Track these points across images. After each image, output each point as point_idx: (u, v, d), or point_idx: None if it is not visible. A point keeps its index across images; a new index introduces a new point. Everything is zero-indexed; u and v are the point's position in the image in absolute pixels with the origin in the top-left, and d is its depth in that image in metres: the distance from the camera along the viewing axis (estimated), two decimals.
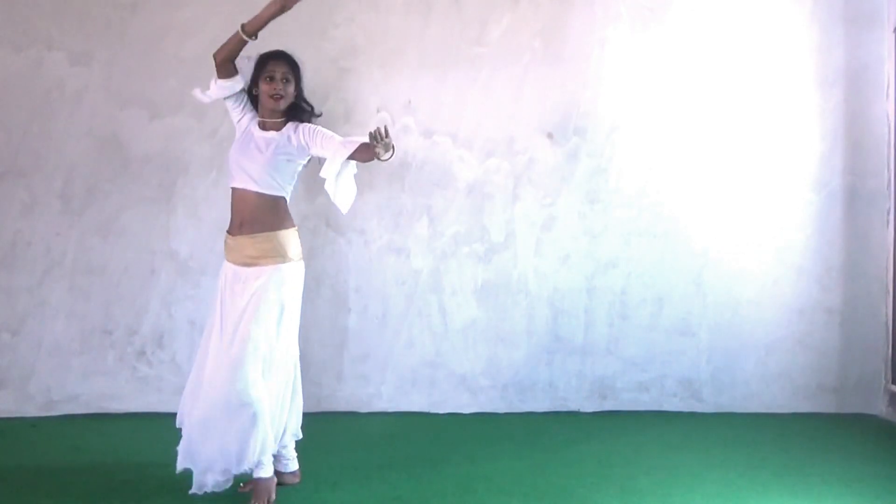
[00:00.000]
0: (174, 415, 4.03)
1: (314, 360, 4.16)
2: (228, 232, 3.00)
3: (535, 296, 4.25)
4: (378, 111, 4.20)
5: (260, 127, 3.01)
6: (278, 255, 2.93)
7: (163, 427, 3.90)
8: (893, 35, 4.21)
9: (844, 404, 4.29)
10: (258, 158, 2.94)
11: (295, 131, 2.98)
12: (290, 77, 3.00)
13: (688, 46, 4.27)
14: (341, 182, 2.90)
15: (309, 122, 3.04)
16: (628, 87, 4.26)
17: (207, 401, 2.87)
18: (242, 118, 3.06)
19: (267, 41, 4.14)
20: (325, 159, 2.90)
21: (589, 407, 4.27)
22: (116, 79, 4.09)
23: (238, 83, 3.03)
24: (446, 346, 4.23)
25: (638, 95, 4.26)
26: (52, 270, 4.06)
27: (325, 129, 2.98)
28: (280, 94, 2.96)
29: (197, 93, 3.11)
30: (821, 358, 4.30)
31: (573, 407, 4.26)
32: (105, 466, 3.31)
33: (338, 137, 2.94)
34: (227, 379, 2.83)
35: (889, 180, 4.26)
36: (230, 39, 2.99)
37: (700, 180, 4.28)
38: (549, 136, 4.25)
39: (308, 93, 4.12)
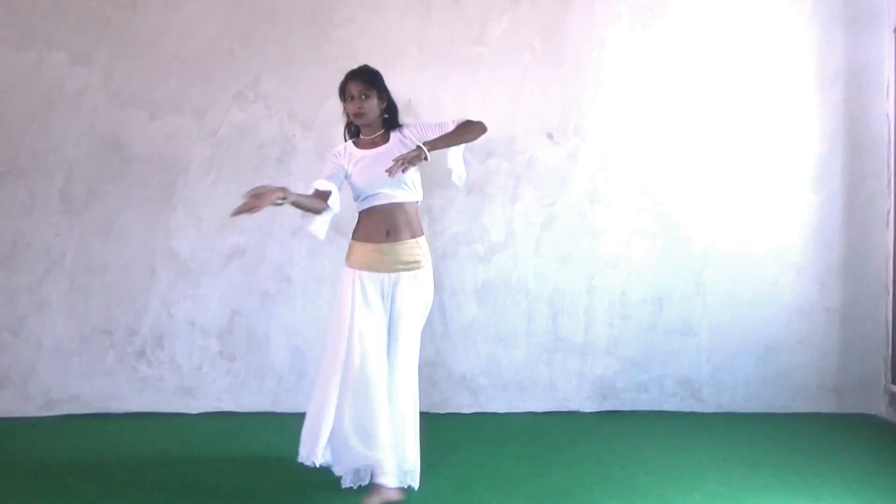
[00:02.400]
0: (174, 415, 4.07)
1: (314, 361, 4.16)
2: (370, 241, 3.02)
3: (535, 296, 4.25)
4: None
5: (367, 146, 3.09)
6: (424, 260, 3.09)
7: (163, 427, 3.92)
8: (893, 35, 4.21)
9: (844, 404, 4.28)
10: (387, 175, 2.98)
11: (403, 136, 3.09)
12: (368, 92, 3.06)
13: (688, 46, 4.27)
14: (459, 162, 3.18)
15: (401, 123, 3.16)
16: (628, 87, 4.26)
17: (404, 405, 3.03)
18: (349, 163, 3.07)
19: (267, 43, 4.17)
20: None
21: (589, 407, 4.27)
22: (116, 79, 4.09)
23: (332, 187, 3.03)
24: (446, 346, 4.23)
25: (638, 95, 4.26)
26: (52, 270, 4.06)
27: (427, 123, 3.17)
28: (360, 111, 3.05)
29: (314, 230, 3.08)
30: (821, 358, 4.30)
31: (573, 407, 4.26)
32: (105, 466, 3.31)
33: (445, 125, 3.12)
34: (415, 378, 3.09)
35: (889, 180, 4.26)
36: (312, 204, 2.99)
37: (700, 180, 4.28)
38: (549, 136, 4.25)
39: (308, 92, 4.19)
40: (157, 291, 4.12)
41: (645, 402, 4.27)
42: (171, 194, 4.12)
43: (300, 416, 4.08)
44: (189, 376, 4.13)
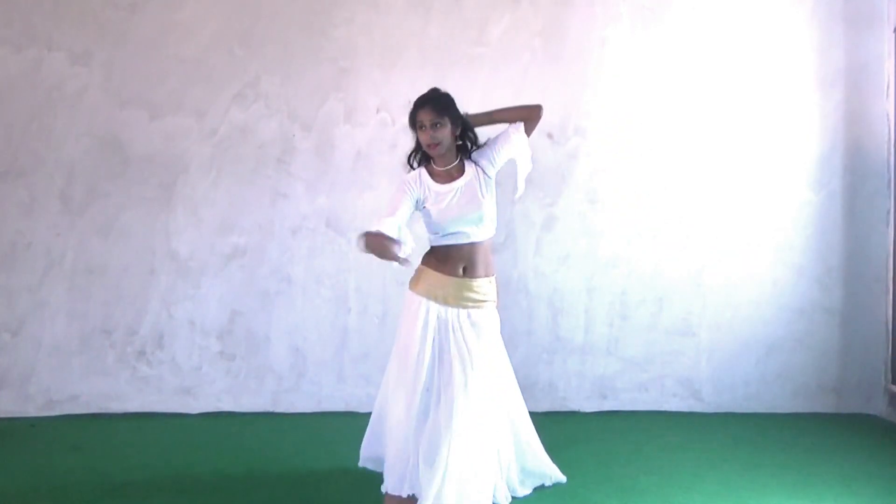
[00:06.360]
0: (174, 415, 4.07)
1: (314, 360, 4.17)
2: (444, 273, 2.90)
3: (535, 296, 4.25)
4: (378, 111, 4.21)
5: (444, 179, 2.92)
6: (494, 298, 2.99)
7: (163, 427, 3.92)
8: (893, 35, 4.21)
9: (844, 404, 4.29)
10: (478, 207, 2.90)
11: (478, 163, 2.97)
12: (440, 120, 2.88)
13: (688, 46, 4.27)
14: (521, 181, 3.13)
15: (473, 148, 3.01)
16: (628, 87, 4.26)
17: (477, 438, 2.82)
18: (425, 194, 2.91)
19: (267, 43, 4.16)
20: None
21: (589, 407, 4.27)
22: (116, 79, 4.09)
23: (401, 230, 2.82)
24: None
25: (638, 95, 4.26)
26: (52, 270, 4.06)
27: (495, 141, 3.01)
28: (433, 141, 2.87)
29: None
30: (821, 358, 4.30)
31: (573, 407, 4.26)
32: (105, 466, 3.31)
33: (504, 135, 3.03)
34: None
35: (889, 180, 4.26)
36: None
37: (700, 180, 4.28)
38: (549, 136, 4.25)
39: (308, 92, 4.19)
40: (157, 291, 4.12)
41: (645, 402, 4.27)
42: (171, 194, 4.12)
43: (300, 417, 4.11)
44: (189, 376, 4.13)
